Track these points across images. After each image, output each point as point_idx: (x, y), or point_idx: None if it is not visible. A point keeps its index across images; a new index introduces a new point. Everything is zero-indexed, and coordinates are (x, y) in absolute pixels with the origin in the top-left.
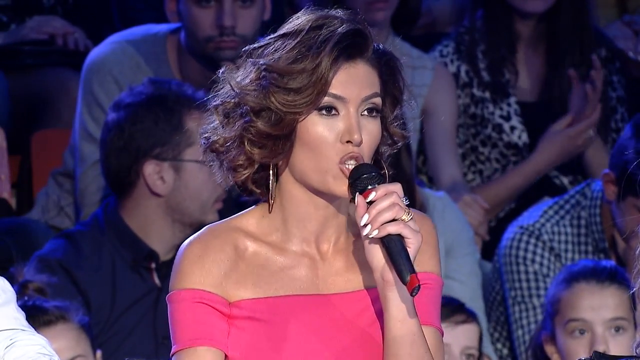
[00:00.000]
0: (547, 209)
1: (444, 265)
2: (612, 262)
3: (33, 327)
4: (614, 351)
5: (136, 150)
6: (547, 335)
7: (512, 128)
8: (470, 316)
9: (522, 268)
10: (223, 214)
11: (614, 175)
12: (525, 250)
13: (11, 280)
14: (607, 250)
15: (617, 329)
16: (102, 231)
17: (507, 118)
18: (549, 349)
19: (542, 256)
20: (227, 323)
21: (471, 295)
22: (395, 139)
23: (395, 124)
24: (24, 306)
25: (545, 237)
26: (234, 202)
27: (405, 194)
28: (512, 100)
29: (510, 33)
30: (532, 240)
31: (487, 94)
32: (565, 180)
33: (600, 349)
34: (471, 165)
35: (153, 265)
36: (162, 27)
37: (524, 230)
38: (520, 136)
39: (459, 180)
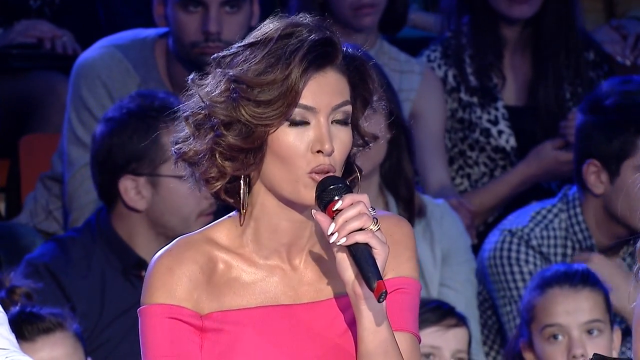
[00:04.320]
0: (535, 214)
1: (440, 272)
2: (583, 265)
3: (31, 335)
4: (591, 354)
5: (113, 165)
6: (525, 343)
7: (500, 132)
8: (461, 320)
9: (515, 269)
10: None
11: (598, 160)
12: (518, 251)
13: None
14: (593, 247)
15: (594, 332)
16: (94, 238)
17: (495, 122)
18: (527, 356)
19: (534, 256)
20: (199, 337)
21: (466, 303)
22: (366, 139)
23: (366, 124)
24: (21, 313)
25: (534, 242)
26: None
27: (405, 196)
28: (500, 104)
29: (496, 38)
30: (523, 247)
31: (475, 99)
32: (553, 184)
33: (578, 352)
34: (459, 169)
35: (143, 274)
36: (150, 32)
37: (512, 234)
38: (507, 140)
39: (447, 185)
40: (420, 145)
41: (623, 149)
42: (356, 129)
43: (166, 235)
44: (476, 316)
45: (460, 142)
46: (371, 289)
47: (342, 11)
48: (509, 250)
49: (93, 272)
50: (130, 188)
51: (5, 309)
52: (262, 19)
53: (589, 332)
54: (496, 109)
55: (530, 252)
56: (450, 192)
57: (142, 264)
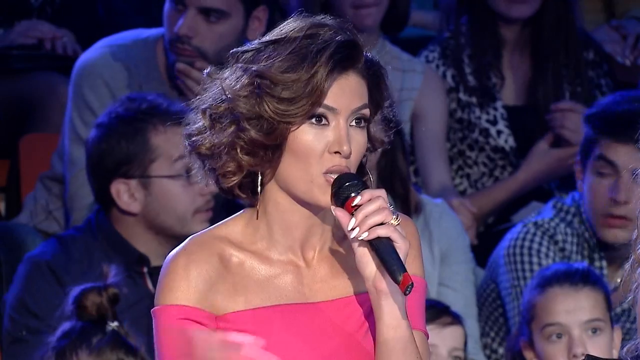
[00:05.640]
0: (558, 210)
1: (439, 272)
2: (584, 264)
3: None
4: (592, 353)
5: (105, 170)
6: (525, 341)
7: (499, 132)
8: (456, 319)
9: (535, 260)
10: (213, 219)
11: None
12: (540, 244)
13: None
14: (595, 245)
15: (594, 331)
16: (94, 236)
17: (494, 122)
18: (528, 355)
19: (554, 252)
20: None
21: (465, 303)
22: (376, 145)
23: (375, 129)
24: (120, 338)
25: (559, 237)
26: (223, 206)
27: (401, 193)
28: (499, 104)
29: (495, 38)
30: (545, 242)
31: (474, 99)
32: (553, 185)
33: (579, 351)
34: (459, 169)
35: (145, 270)
36: (152, 32)
37: (537, 227)
38: (506, 140)
39: (448, 185)
40: (421, 145)
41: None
42: (367, 133)
43: (165, 235)
44: (475, 315)
45: (459, 142)
46: (397, 282)
47: (344, 10)
48: (531, 241)
49: (94, 270)
50: (123, 191)
51: (90, 302)
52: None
53: (590, 331)
54: (495, 108)
55: (552, 247)
56: (451, 193)
57: (144, 260)
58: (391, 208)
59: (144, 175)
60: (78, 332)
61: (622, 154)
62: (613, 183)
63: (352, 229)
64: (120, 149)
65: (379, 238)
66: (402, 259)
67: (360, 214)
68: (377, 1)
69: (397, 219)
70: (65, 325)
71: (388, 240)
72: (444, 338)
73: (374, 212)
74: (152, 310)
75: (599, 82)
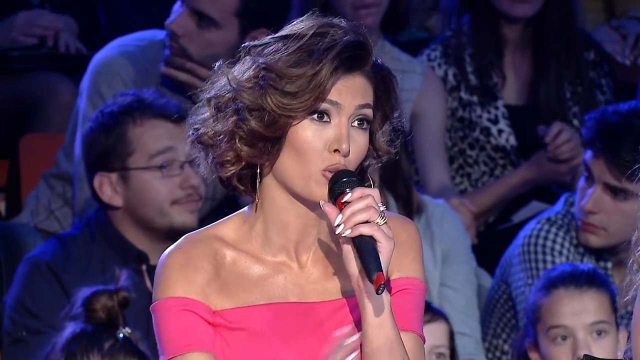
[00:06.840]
0: (569, 205)
1: (440, 272)
2: (589, 266)
3: None
4: (597, 355)
5: (89, 164)
6: (530, 343)
7: (500, 131)
8: (436, 314)
9: (548, 258)
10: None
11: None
12: (554, 241)
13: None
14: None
15: (599, 333)
16: (93, 235)
17: (495, 121)
18: (533, 356)
19: (569, 249)
20: (213, 330)
21: (466, 303)
22: (380, 153)
23: (383, 139)
24: (130, 343)
25: (573, 233)
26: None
27: (403, 194)
28: (500, 103)
29: (497, 37)
30: (559, 238)
31: (475, 98)
32: (553, 186)
33: (583, 354)
34: (459, 168)
35: (144, 267)
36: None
37: (551, 223)
38: (507, 139)
39: (448, 185)
40: (421, 146)
41: None
42: (372, 142)
43: (150, 228)
44: (476, 316)
45: (460, 141)
46: (371, 281)
47: (344, 10)
48: (545, 238)
49: (93, 269)
50: (105, 185)
51: (101, 305)
52: None
53: (595, 333)
54: (496, 107)
55: (567, 243)
56: (451, 192)
57: (142, 258)
58: (381, 208)
59: (123, 168)
60: (89, 336)
61: (598, 166)
62: (588, 191)
63: (338, 225)
64: (100, 142)
65: (362, 236)
66: (383, 259)
67: (348, 211)
68: (377, 2)
69: (383, 218)
70: (75, 327)
71: (371, 239)
72: (425, 336)
73: (360, 210)
74: (150, 307)
75: (600, 83)
